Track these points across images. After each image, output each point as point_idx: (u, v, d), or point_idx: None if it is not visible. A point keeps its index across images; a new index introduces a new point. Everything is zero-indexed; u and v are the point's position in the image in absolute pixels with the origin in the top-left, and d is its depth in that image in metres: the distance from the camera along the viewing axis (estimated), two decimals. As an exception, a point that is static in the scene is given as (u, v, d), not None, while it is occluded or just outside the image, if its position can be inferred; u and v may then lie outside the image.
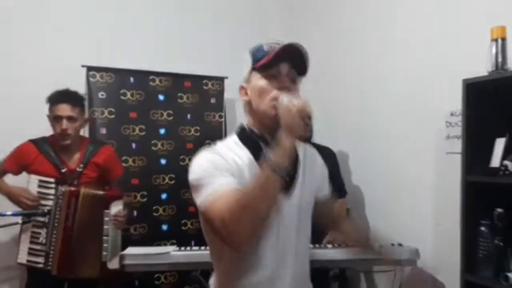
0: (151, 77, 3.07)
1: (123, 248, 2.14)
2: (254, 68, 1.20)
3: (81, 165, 2.36)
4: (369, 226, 2.55)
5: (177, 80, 3.15)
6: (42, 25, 2.93)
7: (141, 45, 3.17)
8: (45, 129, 2.35)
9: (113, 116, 2.93)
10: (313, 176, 1.32)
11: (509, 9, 1.90)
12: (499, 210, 1.74)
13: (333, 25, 3.16)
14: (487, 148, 1.81)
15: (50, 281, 2.23)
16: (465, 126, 1.81)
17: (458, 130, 2.06)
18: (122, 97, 2.97)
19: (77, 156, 2.38)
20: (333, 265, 2.41)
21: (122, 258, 2.03)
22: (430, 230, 2.29)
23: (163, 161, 3.06)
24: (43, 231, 2.24)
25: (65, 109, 2.28)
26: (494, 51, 1.73)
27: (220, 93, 3.25)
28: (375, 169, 2.74)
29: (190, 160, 1.21)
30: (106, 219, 2.28)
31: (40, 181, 2.27)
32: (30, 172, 2.31)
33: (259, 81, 1.19)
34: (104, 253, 2.25)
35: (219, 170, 1.12)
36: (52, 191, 2.26)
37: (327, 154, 2.54)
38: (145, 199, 2.98)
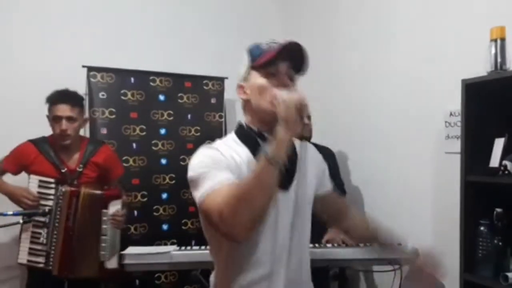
0: (152, 77, 3.08)
1: (124, 247, 2.15)
2: (253, 67, 1.21)
3: (81, 165, 2.36)
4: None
5: (177, 80, 3.15)
6: (43, 25, 2.94)
7: (141, 46, 3.18)
8: (47, 129, 2.35)
9: (113, 116, 2.94)
10: (312, 173, 1.32)
11: (508, 10, 1.90)
12: (499, 210, 1.75)
13: (332, 26, 3.17)
14: (486, 148, 1.81)
15: (50, 281, 2.24)
16: (464, 126, 1.82)
17: (457, 130, 2.06)
18: (122, 97, 2.97)
19: (76, 156, 2.38)
20: (333, 264, 2.42)
21: (122, 257, 2.04)
22: (430, 230, 2.30)
23: (163, 161, 3.07)
24: (43, 231, 2.24)
25: (64, 110, 2.28)
26: (493, 51, 1.73)
27: (220, 93, 3.26)
28: (374, 169, 2.74)
29: (190, 160, 1.21)
30: (105, 218, 2.28)
31: (40, 181, 2.27)
32: (30, 172, 2.31)
33: (258, 79, 1.20)
34: (102, 252, 2.26)
35: (218, 166, 1.13)
36: (52, 191, 2.26)
37: (327, 154, 2.54)
38: (145, 199, 2.99)
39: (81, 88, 2.70)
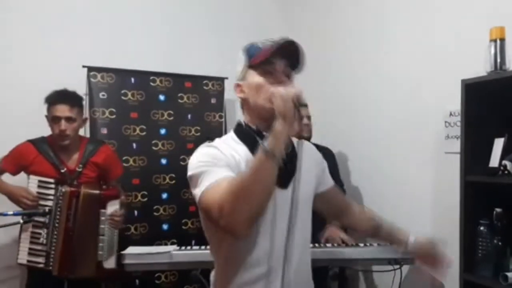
0: (152, 77, 3.08)
1: (124, 247, 2.15)
2: (250, 66, 1.23)
3: (80, 165, 2.36)
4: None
5: (177, 80, 3.16)
6: (43, 25, 2.94)
7: (141, 46, 3.19)
8: (48, 129, 2.35)
9: (114, 116, 2.94)
10: (312, 173, 1.33)
11: (508, 10, 1.90)
12: (498, 209, 1.75)
13: (332, 26, 3.17)
14: (486, 148, 1.81)
15: (50, 281, 2.24)
16: (464, 126, 1.82)
17: (457, 130, 2.07)
18: (123, 98, 2.98)
19: (76, 156, 2.38)
20: (332, 264, 2.43)
21: (122, 257, 2.04)
22: (429, 230, 2.29)
23: (163, 161, 3.07)
24: (43, 231, 2.24)
25: (63, 110, 2.28)
26: (493, 51, 1.73)
27: (220, 94, 3.27)
28: (374, 170, 2.74)
29: (190, 158, 1.22)
30: (103, 218, 2.28)
31: (40, 181, 2.27)
32: (29, 172, 2.31)
33: (255, 78, 1.21)
34: (100, 252, 2.26)
35: (217, 164, 1.14)
36: (52, 192, 2.26)
37: (327, 155, 2.54)
38: (145, 199, 2.99)
39: (81, 88, 2.70)
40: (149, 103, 3.05)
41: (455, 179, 1.85)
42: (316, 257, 1.96)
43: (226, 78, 3.21)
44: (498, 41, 1.72)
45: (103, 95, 2.93)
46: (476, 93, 1.80)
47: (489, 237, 1.75)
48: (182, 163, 3.06)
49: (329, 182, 1.44)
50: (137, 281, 2.38)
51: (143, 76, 3.05)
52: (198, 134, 3.17)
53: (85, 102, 2.68)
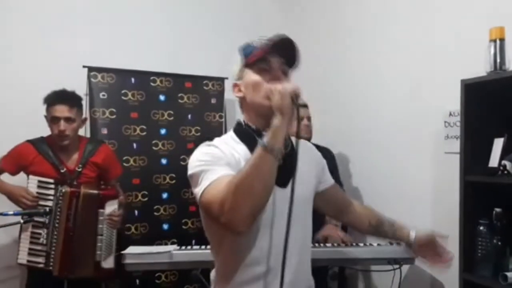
0: (152, 77, 3.08)
1: (124, 247, 2.15)
2: (246, 65, 1.24)
3: (80, 165, 2.36)
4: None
5: (177, 80, 3.16)
6: (43, 25, 2.95)
7: (141, 46, 3.19)
8: (48, 130, 2.36)
9: (114, 116, 2.95)
10: (311, 173, 1.34)
11: (507, 10, 1.90)
12: (498, 209, 1.75)
13: (333, 27, 3.17)
14: (485, 148, 1.82)
15: (50, 281, 2.24)
16: (463, 126, 1.82)
17: (456, 130, 2.07)
18: (123, 98, 2.98)
19: (75, 156, 2.38)
20: (332, 263, 2.43)
21: (123, 257, 2.04)
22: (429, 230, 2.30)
23: (163, 161, 3.08)
24: (43, 232, 2.24)
25: (62, 110, 2.27)
26: (492, 51, 1.73)
27: (220, 94, 3.27)
28: (374, 170, 2.74)
29: (190, 157, 1.22)
30: (101, 218, 2.29)
31: (39, 181, 2.27)
32: (28, 173, 2.31)
33: (252, 76, 1.22)
34: (99, 252, 2.27)
35: (217, 162, 1.15)
36: (51, 192, 2.26)
37: (326, 155, 2.53)
38: (146, 199, 2.99)
39: (81, 89, 2.70)
40: (149, 103, 3.06)
41: (455, 179, 1.85)
42: (315, 257, 1.97)
43: (226, 78, 3.21)
44: (498, 41, 1.72)
45: (104, 95, 2.93)
46: (476, 93, 1.80)
47: (488, 237, 1.75)
48: (182, 163, 3.06)
49: (329, 180, 1.45)
50: (137, 280, 2.37)
51: (143, 76, 3.05)
52: (198, 134, 3.17)
53: (86, 102, 2.69)
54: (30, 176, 2.30)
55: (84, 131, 2.71)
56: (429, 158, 2.34)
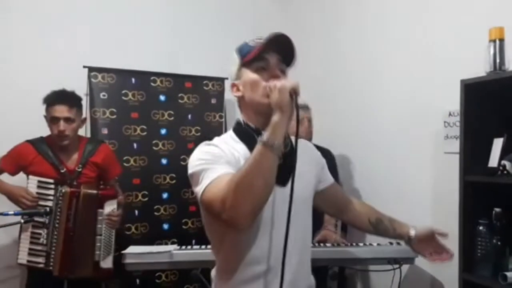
0: (152, 77, 3.09)
1: (124, 247, 2.16)
2: (243, 64, 1.24)
3: (80, 165, 2.36)
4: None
5: (178, 80, 3.16)
6: (43, 25, 2.95)
7: (142, 46, 3.19)
8: (47, 130, 2.36)
9: (114, 116, 2.95)
10: (311, 173, 1.34)
11: (507, 10, 1.91)
12: (497, 209, 1.75)
13: (332, 27, 3.17)
14: (485, 148, 1.82)
15: (50, 281, 2.24)
16: (463, 126, 1.83)
17: (456, 130, 2.07)
18: (123, 98, 2.98)
19: (75, 156, 2.38)
20: (332, 263, 2.43)
21: (123, 257, 2.05)
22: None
23: (164, 161, 3.08)
24: (43, 232, 2.24)
25: (62, 111, 2.27)
26: (492, 51, 1.74)
27: (220, 94, 3.28)
28: (373, 170, 2.75)
29: (190, 157, 1.23)
30: (100, 218, 2.29)
31: (39, 181, 2.27)
32: (28, 173, 2.31)
33: (250, 75, 1.22)
34: (97, 252, 2.27)
35: (217, 161, 1.15)
36: (51, 192, 2.26)
37: (326, 156, 2.53)
38: (146, 199, 3.00)
39: (82, 89, 2.71)
40: (150, 103, 3.06)
41: (455, 179, 1.85)
42: (315, 257, 1.97)
43: (226, 78, 3.21)
44: (498, 42, 1.73)
45: (104, 95, 2.94)
46: (475, 93, 1.81)
47: (488, 237, 1.75)
48: (182, 163, 3.06)
49: (329, 179, 1.45)
50: (137, 280, 2.38)
51: (143, 77, 3.06)
52: (198, 134, 3.18)
53: (86, 102, 2.69)
54: (30, 176, 2.29)
55: (85, 131, 2.71)
56: (428, 158, 2.34)
